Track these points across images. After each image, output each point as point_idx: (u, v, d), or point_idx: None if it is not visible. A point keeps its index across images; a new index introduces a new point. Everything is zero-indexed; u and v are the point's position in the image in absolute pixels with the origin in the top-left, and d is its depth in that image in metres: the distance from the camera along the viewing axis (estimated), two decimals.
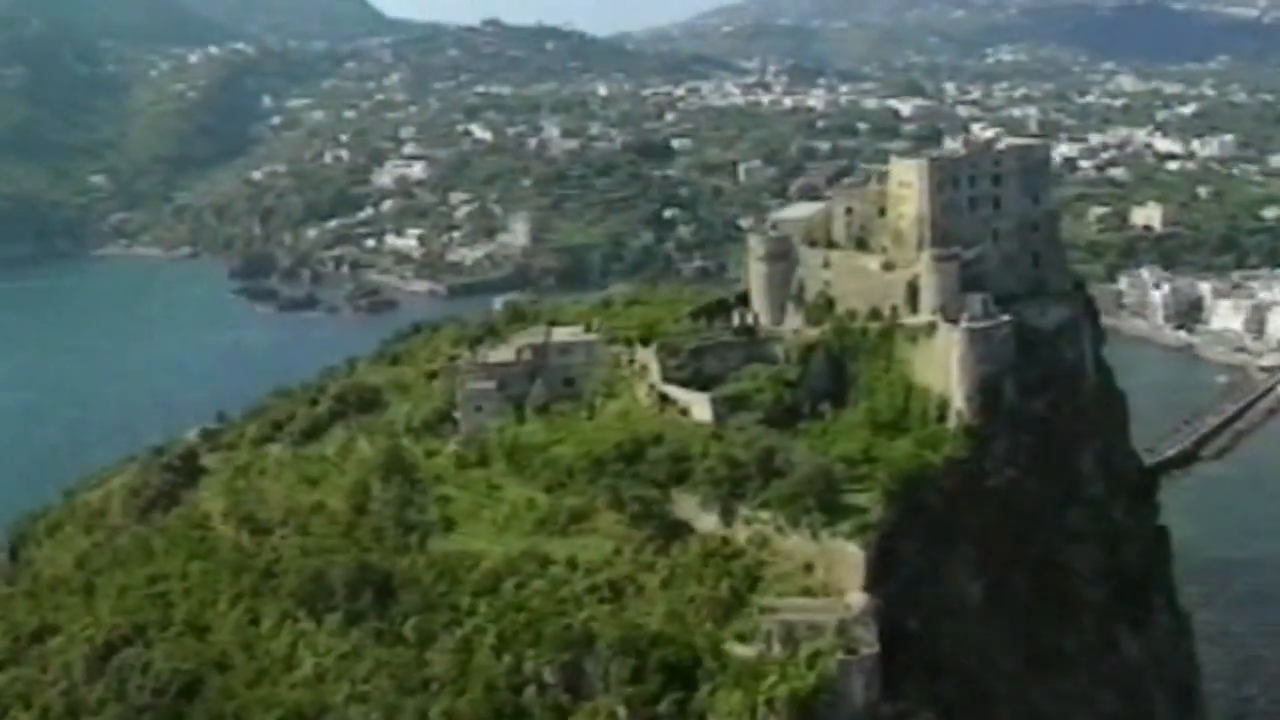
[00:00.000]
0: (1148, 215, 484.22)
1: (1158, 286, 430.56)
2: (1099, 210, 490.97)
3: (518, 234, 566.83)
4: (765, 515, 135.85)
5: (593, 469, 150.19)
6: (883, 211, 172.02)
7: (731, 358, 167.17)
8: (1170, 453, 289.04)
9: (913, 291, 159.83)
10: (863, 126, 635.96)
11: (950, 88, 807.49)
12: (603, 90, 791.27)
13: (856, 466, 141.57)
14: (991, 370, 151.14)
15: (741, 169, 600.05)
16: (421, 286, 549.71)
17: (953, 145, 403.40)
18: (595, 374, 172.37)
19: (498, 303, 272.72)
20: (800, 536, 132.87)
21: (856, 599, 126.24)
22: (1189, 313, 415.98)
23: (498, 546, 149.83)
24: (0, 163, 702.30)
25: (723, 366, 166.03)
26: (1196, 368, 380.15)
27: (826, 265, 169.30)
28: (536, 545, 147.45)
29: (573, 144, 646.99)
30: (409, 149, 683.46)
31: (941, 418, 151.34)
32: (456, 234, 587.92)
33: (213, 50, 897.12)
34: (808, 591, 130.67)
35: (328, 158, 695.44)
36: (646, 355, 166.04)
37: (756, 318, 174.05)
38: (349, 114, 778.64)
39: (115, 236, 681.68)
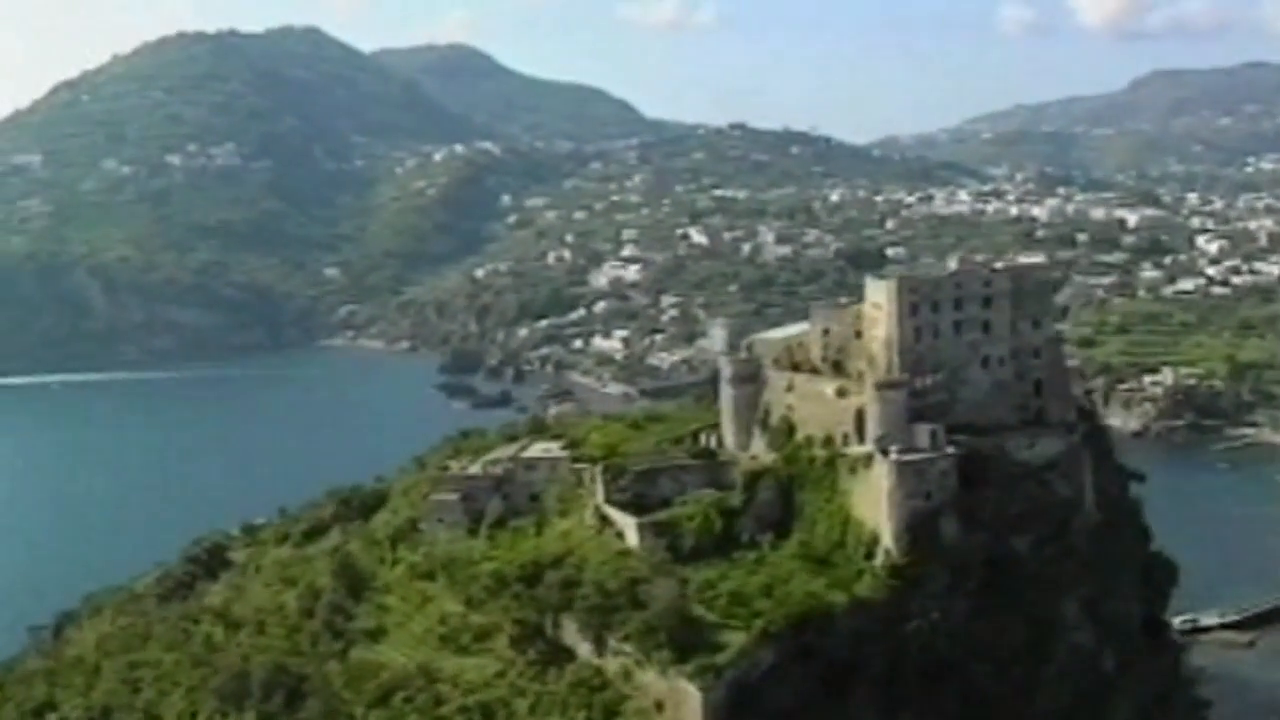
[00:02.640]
0: None
1: None
2: None
3: (715, 339, 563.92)
4: (629, 648, 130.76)
5: (498, 588, 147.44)
6: (860, 334, 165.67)
7: (689, 481, 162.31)
8: None
9: (861, 420, 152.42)
10: (1082, 237, 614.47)
11: (1192, 198, 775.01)
12: (834, 196, 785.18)
13: (750, 603, 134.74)
14: (923, 506, 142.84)
15: None
16: (617, 389, 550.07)
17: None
18: (554, 491, 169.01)
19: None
20: (654, 673, 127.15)
21: None
22: None
23: (403, 658, 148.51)
24: (240, 253, 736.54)
25: (678, 489, 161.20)
26: None
27: (790, 389, 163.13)
28: (434, 660, 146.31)
29: (786, 250, 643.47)
30: (627, 251, 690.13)
31: (870, 555, 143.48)
32: (660, 337, 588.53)
33: (458, 149, 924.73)
34: None
35: (550, 258, 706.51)
36: (594, 476, 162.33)
37: (721, 441, 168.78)
38: (579, 215, 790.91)
39: (342, 328, 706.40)
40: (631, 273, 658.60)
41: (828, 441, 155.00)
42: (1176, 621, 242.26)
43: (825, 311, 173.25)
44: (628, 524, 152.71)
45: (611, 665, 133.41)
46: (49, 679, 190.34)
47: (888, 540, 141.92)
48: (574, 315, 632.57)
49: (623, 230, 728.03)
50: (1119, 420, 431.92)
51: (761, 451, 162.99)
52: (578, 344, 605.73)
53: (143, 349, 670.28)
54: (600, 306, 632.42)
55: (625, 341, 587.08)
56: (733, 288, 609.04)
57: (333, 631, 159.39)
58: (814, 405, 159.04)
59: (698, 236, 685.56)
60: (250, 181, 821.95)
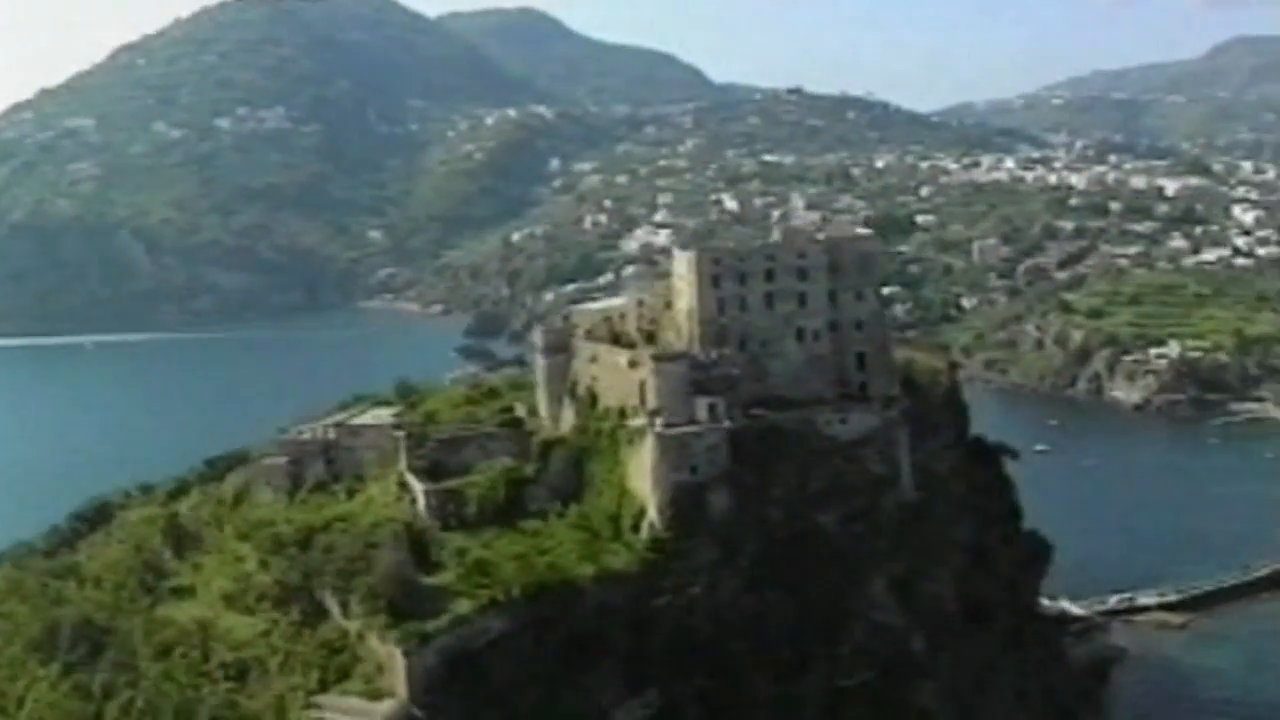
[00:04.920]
0: None
1: None
2: None
3: None
4: (360, 611, 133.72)
5: (277, 550, 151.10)
6: (669, 305, 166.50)
7: (495, 449, 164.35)
8: (1261, 572, 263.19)
9: (645, 391, 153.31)
10: (1115, 206, 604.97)
11: (1246, 167, 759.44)
12: (880, 163, 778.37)
13: (493, 571, 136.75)
14: (688, 480, 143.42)
15: (976, 247, 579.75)
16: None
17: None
18: (370, 458, 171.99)
19: None
20: (375, 636, 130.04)
21: (385, 706, 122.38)
22: None
23: (192, 615, 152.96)
24: (284, 216, 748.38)
25: (483, 457, 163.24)
26: None
27: (594, 360, 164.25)
28: (217, 618, 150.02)
29: (814, 216, 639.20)
30: (660, 216, 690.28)
31: (637, 527, 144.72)
32: None
33: (510, 113, 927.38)
34: (376, 693, 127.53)
35: (586, 222, 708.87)
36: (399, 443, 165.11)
37: (534, 410, 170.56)
38: (622, 179, 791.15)
39: (381, 290, 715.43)
40: (663, 238, 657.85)
41: (621, 413, 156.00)
42: (1112, 600, 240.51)
43: (640, 283, 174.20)
44: (419, 490, 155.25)
45: (352, 628, 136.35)
46: None
47: (652, 513, 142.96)
48: (601, 280, 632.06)
49: (659, 195, 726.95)
50: (1122, 393, 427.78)
51: (570, 421, 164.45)
52: None
53: (184, 310, 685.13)
54: (629, 271, 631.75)
55: None
56: None
57: (146, 588, 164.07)
58: (612, 376, 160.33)
59: (729, 202, 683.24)
60: (298, 145, 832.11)
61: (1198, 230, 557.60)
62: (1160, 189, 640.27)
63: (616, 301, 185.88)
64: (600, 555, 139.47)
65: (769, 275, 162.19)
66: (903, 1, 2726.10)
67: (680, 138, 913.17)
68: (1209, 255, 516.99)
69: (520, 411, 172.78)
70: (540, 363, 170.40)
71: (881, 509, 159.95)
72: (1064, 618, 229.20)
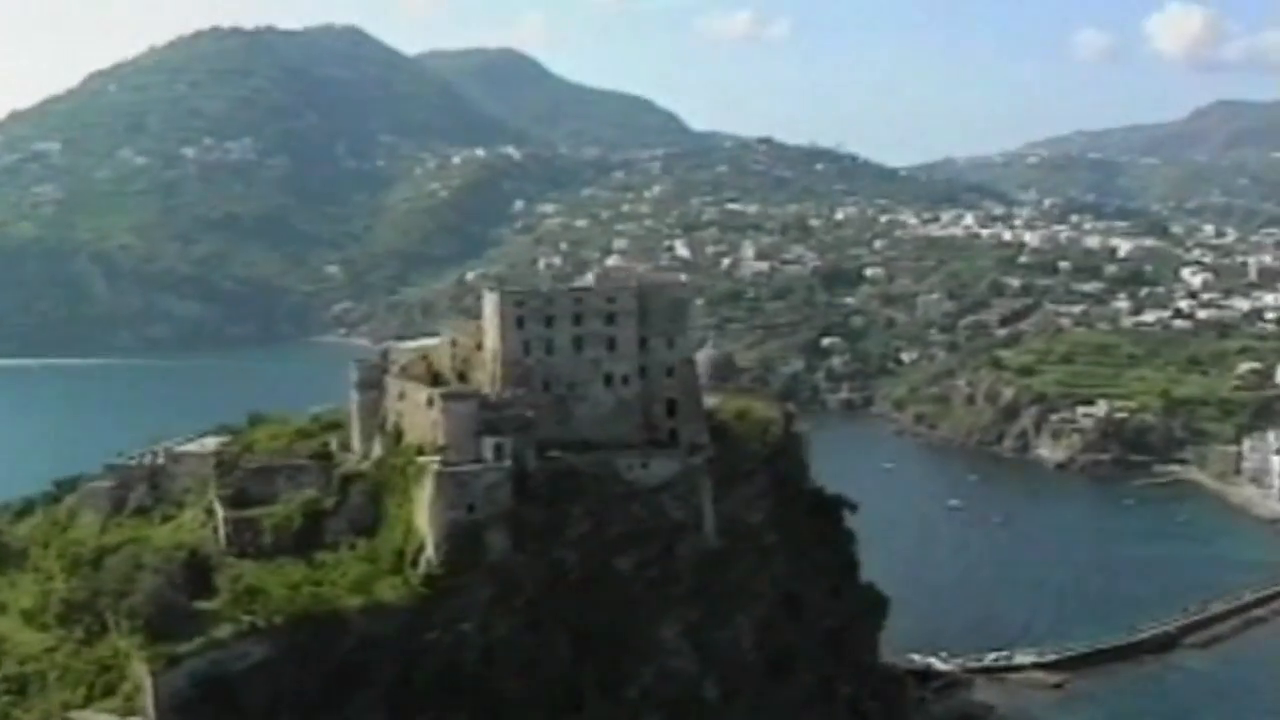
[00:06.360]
0: None
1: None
2: (1247, 366, 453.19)
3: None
4: (125, 629, 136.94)
5: (73, 569, 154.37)
6: (479, 345, 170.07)
7: (305, 481, 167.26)
8: (1144, 635, 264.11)
9: (437, 429, 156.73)
10: (1064, 265, 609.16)
11: (1209, 230, 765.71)
12: (840, 215, 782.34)
13: (260, 598, 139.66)
14: (465, 518, 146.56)
15: (920, 301, 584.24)
16: None
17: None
18: (189, 484, 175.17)
19: None
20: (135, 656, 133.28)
21: None
22: None
23: None
24: (242, 247, 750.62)
25: (294, 488, 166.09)
26: None
27: (402, 397, 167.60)
28: (13, 633, 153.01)
29: (764, 266, 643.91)
30: (612, 260, 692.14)
31: (416, 562, 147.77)
32: None
33: (478, 152, 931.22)
34: (130, 710, 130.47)
35: (541, 264, 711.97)
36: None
37: (346, 444, 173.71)
38: (582, 222, 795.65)
39: (335, 325, 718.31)
40: None
41: (419, 450, 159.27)
42: (989, 658, 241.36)
43: (456, 323, 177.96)
44: (220, 518, 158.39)
45: (121, 646, 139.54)
46: None
47: (429, 549, 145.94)
48: None
49: (616, 239, 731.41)
50: (1046, 450, 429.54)
51: (382, 455, 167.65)
52: None
53: (138, 337, 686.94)
54: None
55: None
56: (699, 301, 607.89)
57: None
58: (415, 413, 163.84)
59: (682, 249, 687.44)
60: (263, 177, 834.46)
61: (1144, 291, 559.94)
62: (1113, 249, 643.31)
63: (432, 340, 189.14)
64: (372, 587, 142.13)
65: (577, 319, 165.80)
66: (892, 56, 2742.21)
67: (648, 183, 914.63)
68: (1148, 316, 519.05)
69: (334, 445, 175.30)
70: (354, 398, 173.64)
71: (679, 555, 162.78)
72: (926, 674, 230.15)
